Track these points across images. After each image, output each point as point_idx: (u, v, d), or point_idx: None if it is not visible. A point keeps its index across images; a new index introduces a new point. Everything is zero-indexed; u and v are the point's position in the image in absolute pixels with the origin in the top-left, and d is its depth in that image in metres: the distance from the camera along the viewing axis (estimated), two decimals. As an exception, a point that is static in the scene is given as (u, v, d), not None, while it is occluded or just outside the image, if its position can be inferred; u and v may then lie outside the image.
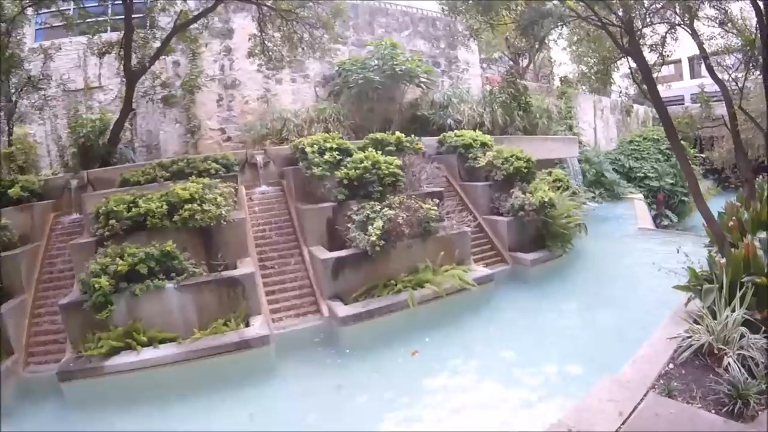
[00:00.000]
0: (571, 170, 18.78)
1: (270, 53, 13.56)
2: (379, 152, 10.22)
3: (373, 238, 8.28)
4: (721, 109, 17.40)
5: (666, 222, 21.67)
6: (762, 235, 7.42)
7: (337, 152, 10.19)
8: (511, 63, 32.28)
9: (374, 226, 8.47)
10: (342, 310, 7.92)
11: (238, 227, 8.54)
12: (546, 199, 10.59)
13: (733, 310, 5.08)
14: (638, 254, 12.58)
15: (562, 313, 9.02)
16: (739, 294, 5.17)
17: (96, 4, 14.13)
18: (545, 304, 9.36)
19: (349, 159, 10.01)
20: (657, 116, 32.54)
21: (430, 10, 19.42)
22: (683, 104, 33.65)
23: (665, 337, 5.46)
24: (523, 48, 17.26)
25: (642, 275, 10.04)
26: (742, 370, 4.54)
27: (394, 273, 8.89)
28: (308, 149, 10.21)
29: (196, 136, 15.64)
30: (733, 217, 7.91)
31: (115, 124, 12.61)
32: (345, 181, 9.43)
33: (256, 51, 13.56)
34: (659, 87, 29.35)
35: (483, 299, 9.26)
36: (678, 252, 7.32)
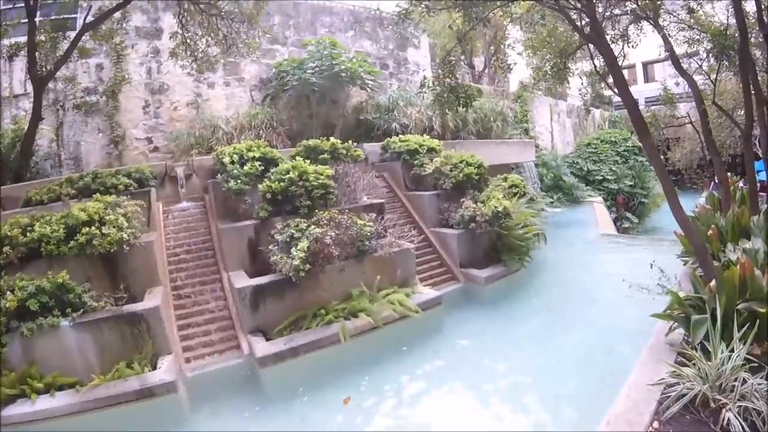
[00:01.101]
0: (528, 175, 17.94)
1: (195, 53, 12.11)
2: (312, 162, 9.16)
3: (297, 262, 7.09)
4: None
5: (627, 224, 21.23)
6: (746, 244, 6.50)
7: (260, 162, 9.00)
8: (466, 66, 31.72)
9: (298, 247, 7.28)
10: (261, 347, 6.78)
11: (146, 252, 7.41)
12: (500, 209, 9.48)
13: (731, 348, 3.98)
14: (603, 264, 11.69)
15: (521, 341, 7.81)
16: (736, 325, 4.07)
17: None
18: (502, 329, 8.20)
19: (273, 170, 8.73)
20: (613, 119, 32.97)
21: (378, 10, 18.30)
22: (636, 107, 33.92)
23: (645, 381, 4.33)
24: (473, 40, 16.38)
25: (610, 290, 9.08)
26: (745, 426, 3.57)
27: (324, 301, 7.73)
28: (226, 159, 8.94)
29: (120, 146, 13.95)
30: (712, 225, 6.98)
31: (24, 135, 11.02)
32: (268, 196, 8.39)
33: (179, 50, 12.09)
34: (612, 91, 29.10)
35: (430, 326, 8.07)
36: (651, 267, 6.41)
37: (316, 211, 8.27)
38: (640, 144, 25.20)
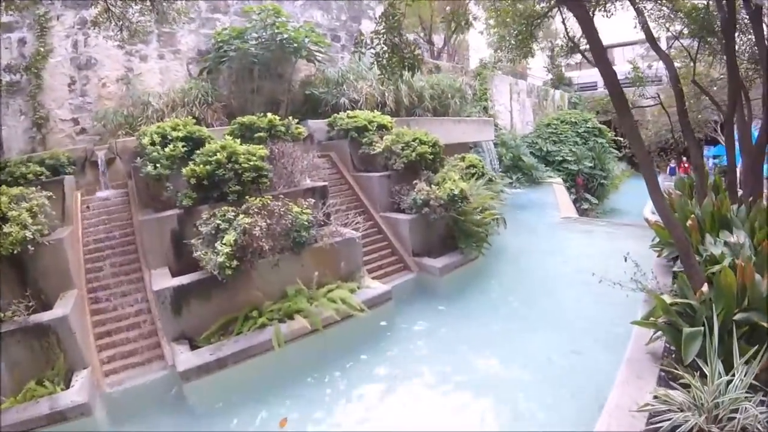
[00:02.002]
0: (487, 155, 17.18)
1: (122, 22, 10.67)
2: (248, 141, 8.19)
3: (221, 259, 6.12)
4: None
5: (586, 206, 20.94)
6: (729, 237, 5.79)
7: (185, 143, 7.88)
8: (426, 45, 30.71)
9: (224, 240, 6.26)
10: (183, 359, 5.87)
11: (56, 251, 6.51)
12: (456, 192, 8.60)
13: (731, 372, 3.18)
14: (568, 251, 10.96)
15: (479, 343, 6.89)
16: (735, 342, 3.27)
17: None
18: (458, 329, 7.33)
19: (200, 151, 7.63)
20: (573, 101, 32.68)
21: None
22: (596, 90, 33.94)
23: (627, 404, 3.52)
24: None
25: (577, 282, 8.32)
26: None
27: (258, 301, 6.82)
28: (146, 140, 7.85)
29: (43, 129, 12.41)
30: (691, 216, 6.28)
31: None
32: (193, 181, 7.31)
33: (101, 19, 10.63)
34: (575, 73, 28.76)
35: (378, 326, 7.19)
36: (626, 260, 5.66)
37: (247, 197, 7.24)
38: (607, 125, 25.08)
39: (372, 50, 6.89)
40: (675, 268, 6.61)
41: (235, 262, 6.21)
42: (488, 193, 10.91)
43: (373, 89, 13.02)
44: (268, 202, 7.02)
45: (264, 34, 12.63)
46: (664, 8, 9.54)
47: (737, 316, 3.79)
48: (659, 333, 4.26)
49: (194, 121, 8.88)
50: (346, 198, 9.73)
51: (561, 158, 22.02)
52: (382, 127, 10.53)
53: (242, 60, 12.53)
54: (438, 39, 30.80)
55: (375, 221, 9.36)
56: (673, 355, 4.13)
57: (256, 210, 6.85)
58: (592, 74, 33.68)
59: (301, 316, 6.63)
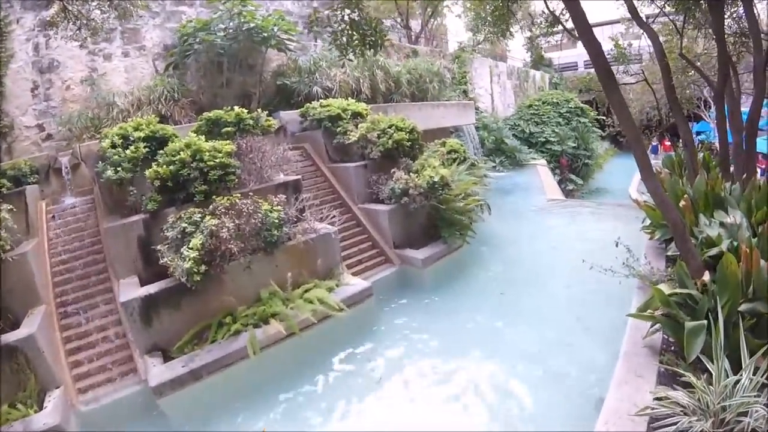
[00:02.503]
0: (468, 139, 16.82)
1: (80, 19, 10.10)
2: (216, 137, 7.87)
3: (188, 265, 5.76)
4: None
5: (571, 186, 20.70)
6: (725, 218, 5.46)
7: (148, 143, 7.55)
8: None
9: (190, 245, 5.91)
10: (155, 373, 5.57)
11: (21, 267, 6.19)
12: (436, 179, 8.22)
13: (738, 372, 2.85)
14: (555, 236, 10.59)
15: (468, 342, 6.47)
16: (743, 336, 2.93)
17: None
18: (445, 325, 6.92)
19: (163, 151, 7.24)
20: (554, 82, 32.39)
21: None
22: (576, 69, 33.69)
23: (626, 408, 3.19)
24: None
25: (567, 269, 7.94)
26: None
27: (232, 306, 6.42)
28: (106, 143, 7.51)
29: (8, 138, 11.80)
30: (684, 196, 5.97)
31: None
32: (157, 183, 6.94)
33: (58, 19, 10.04)
34: (555, 54, 28.29)
35: (359, 326, 6.83)
36: (617, 246, 5.33)
37: (214, 197, 6.82)
38: (590, 104, 24.77)
39: (329, 29, 6.42)
40: (669, 252, 6.28)
41: (203, 267, 5.85)
42: (471, 178, 10.56)
43: (348, 76, 12.54)
44: (237, 201, 6.63)
45: (231, 24, 12.09)
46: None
47: (742, 307, 3.46)
48: (658, 325, 3.93)
49: (160, 119, 8.46)
50: (322, 191, 9.31)
51: (544, 139, 21.72)
52: (357, 115, 10.10)
53: (209, 53, 11.99)
54: (416, 24, 30.30)
55: (353, 213, 8.96)
56: (673, 349, 3.80)
57: (223, 210, 6.46)
58: (573, 54, 33.53)
59: (277, 320, 6.26)
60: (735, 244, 4.98)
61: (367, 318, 6.93)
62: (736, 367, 3.02)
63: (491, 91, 24.57)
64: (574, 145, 22.05)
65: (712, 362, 3.04)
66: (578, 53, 32.62)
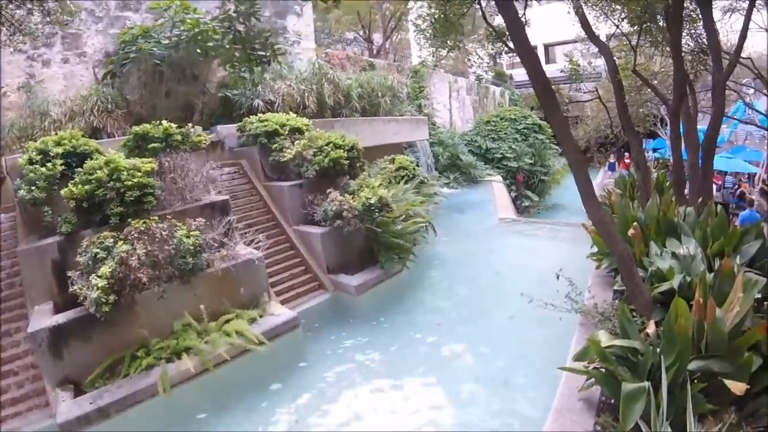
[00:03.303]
0: (422, 155, 16.56)
1: (11, 22, 9.44)
2: (142, 153, 7.46)
3: (95, 294, 5.38)
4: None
5: (527, 203, 20.72)
6: (678, 248, 5.20)
7: (65, 159, 7.05)
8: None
9: (99, 273, 5.55)
10: (63, 409, 5.15)
11: None
12: (373, 201, 7.85)
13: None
14: (502, 259, 10.22)
15: (397, 384, 5.93)
16: (690, 400, 2.63)
17: None
18: (373, 361, 6.42)
19: (81, 169, 6.73)
20: (513, 98, 32.67)
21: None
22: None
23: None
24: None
25: (509, 296, 7.41)
26: None
27: (145, 338, 5.96)
28: (23, 159, 7.04)
29: None
30: (634, 224, 5.73)
31: None
32: (72, 203, 6.42)
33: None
34: (516, 71, 28.46)
35: (281, 360, 6.37)
36: (558, 278, 5.07)
37: (130, 220, 6.33)
38: (546, 121, 24.91)
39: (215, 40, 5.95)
40: (616, 286, 5.92)
41: (112, 297, 5.45)
42: (417, 198, 10.27)
43: (292, 89, 12.09)
44: (152, 224, 6.14)
45: (174, 32, 11.54)
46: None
47: (692, 365, 3.13)
48: (593, 381, 3.60)
49: (93, 131, 7.88)
50: (256, 211, 8.82)
51: (501, 155, 21.73)
52: (296, 131, 9.65)
53: (148, 62, 11.40)
54: (379, 37, 30.17)
55: (287, 236, 8.51)
56: (613, 403, 3.44)
57: (136, 235, 5.98)
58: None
59: (191, 354, 5.79)
60: (688, 279, 4.71)
61: (291, 352, 6.46)
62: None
63: (450, 107, 24.54)
64: (530, 161, 22.14)
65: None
66: (540, 71, 33.09)
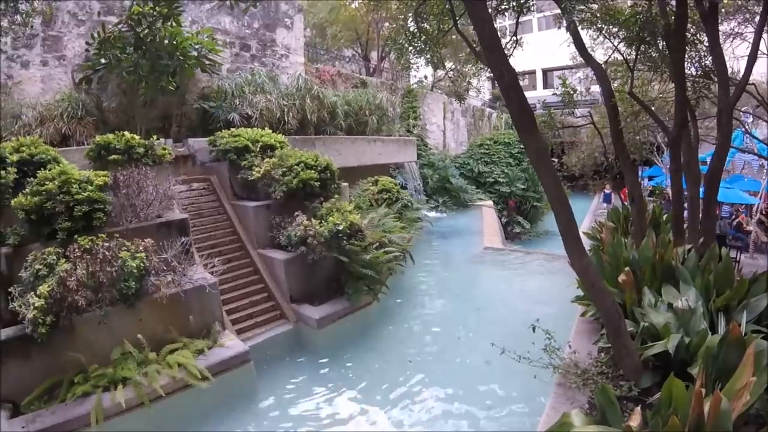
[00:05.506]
0: (410, 177, 16.13)
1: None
2: (104, 164, 7.22)
3: (31, 314, 5.10)
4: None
5: (518, 229, 20.31)
6: (678, 300, 4.63)
7: (20, 167, 6.67)
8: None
9: (38, 292, 5.26)
10: None
11: None
12: (341, 227, 7.34)
13: None
14: (481, 294, 9.59)
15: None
16: None
17: None
18: (327, 405, 5.86)
19: (33, 179, 6.34)
20: (509, 122, 32.40)
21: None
22: (535, 110, 33.88)
23: None
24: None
25: (483, 338, 6.68)
26: None
27: (85, 362, 5.53)
28: None
29: None
30: (626, 269, 5.18)
31: None
32: (21, 215, 6.12)
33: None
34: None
35: (225, 398, 5.80)
36: (534, 330, 4.58)
37: (76, 236, 5.91)
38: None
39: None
40: (602, 343, 5.24)
41: (50, 318, 5.15)
42: (397, 224, 9.80)
43: (271, 103, 11.63)
44: (98, 243, 5.67)
45: (145, 36, 11.14)
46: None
47: None
48: None
49: (62, 138, 7.44)
50: (221, 231, 8.30)
51: (493, 180, 21.36)
52: (270, 148, 9.15)
53: (116, 69, 11.00)
54: (377, 55, 29.94)
55: (251, 259, 7.98)
56: None
57: (79, 254, 5.51)
58: (530, 96, 33.70)
59: (128, 385, 5.27)
60: (686, 341, 4.10)
61: (237, 390, 5.90)
62: None
63: (444, 128, 24.20)
64: (523, 186, 21.78)
65: None
66: (538, 96, 33.01)
